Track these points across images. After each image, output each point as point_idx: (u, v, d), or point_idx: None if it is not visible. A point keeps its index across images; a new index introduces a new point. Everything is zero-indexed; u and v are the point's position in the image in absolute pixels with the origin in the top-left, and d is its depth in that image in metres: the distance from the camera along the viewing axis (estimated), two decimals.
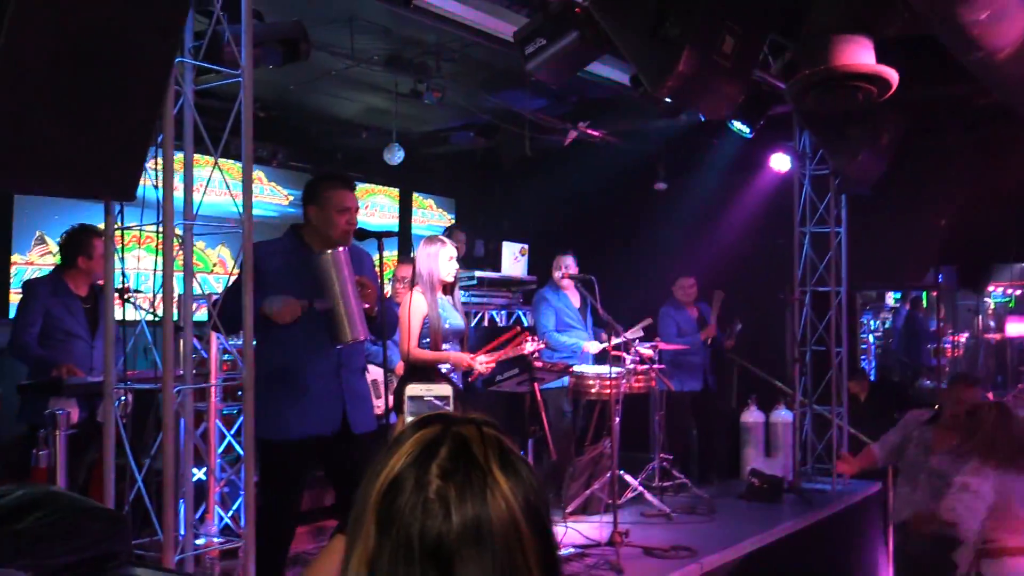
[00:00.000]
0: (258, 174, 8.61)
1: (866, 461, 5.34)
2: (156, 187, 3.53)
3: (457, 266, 5.24)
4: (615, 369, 6.24)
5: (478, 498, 1.06)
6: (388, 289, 6.31)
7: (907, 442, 5.20)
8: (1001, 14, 4.42)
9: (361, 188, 9.54)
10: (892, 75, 4.80)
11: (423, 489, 1.07)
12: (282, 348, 4.05)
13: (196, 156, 3.84)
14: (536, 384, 5.16)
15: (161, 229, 3.56)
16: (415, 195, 10.24)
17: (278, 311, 3.89)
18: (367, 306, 4.11)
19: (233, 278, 4.02)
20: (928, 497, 4.92)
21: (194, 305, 4.59)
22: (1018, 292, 15.35)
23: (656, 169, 9.44)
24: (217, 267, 8.20)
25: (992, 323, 14.87)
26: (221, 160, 3.81)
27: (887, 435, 5.44)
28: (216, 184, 3.90)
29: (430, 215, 10.33)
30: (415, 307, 5.06)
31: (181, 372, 3.76)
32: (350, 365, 4.19)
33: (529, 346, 5.54)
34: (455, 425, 1.13)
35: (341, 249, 4.02)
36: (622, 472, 6.39)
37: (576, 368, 6.61)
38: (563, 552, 5.40)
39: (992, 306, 15.50)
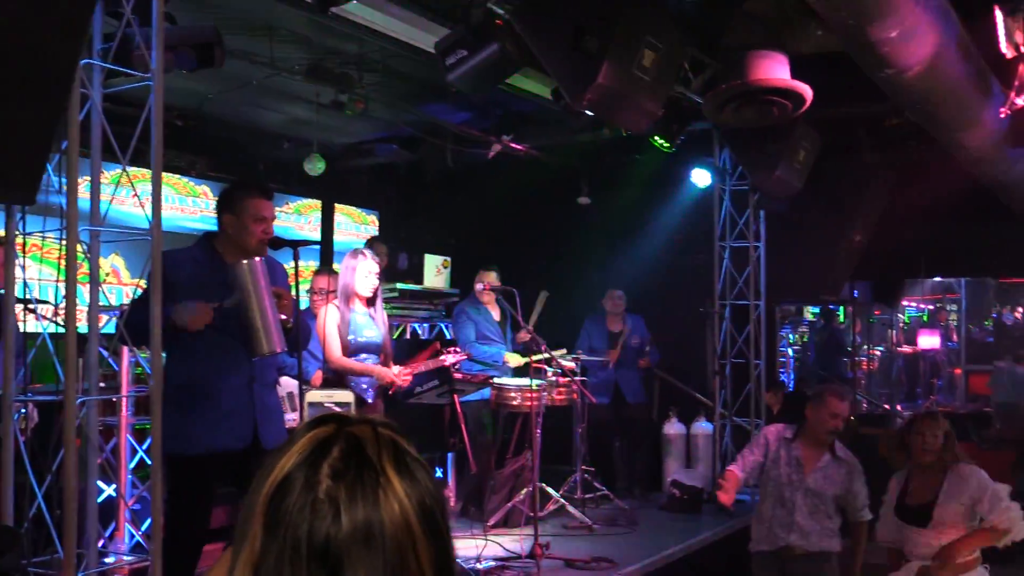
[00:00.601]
0: (203, 188, 8.48)
1: (734, 485, 4.95)
2: (60, 192, 3.41)
3: (376, 282, 5.21)
4: (536, 381, 6.23)
5: (370, 499, 1.03)
6: (304, 300, 6.22)
7: (772, 460, 4.94)
8: (911, 33, 4.54)
9: (304, 203, 9.50)
10: (806, 91, 4.91)
11: (312, 489, 1.03)
12: (193, 360, 3.93)
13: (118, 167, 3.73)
14: (456, 396, 5.13)
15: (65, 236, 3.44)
16: (360, 211, 10.19)
17: (191, 318, 3.77)
18: (283, 317, 4.03)
19: (141, 289, 3.89)
20: (808, 518, 4.83)
21: (104, 317, 4.48)
22: (930, 307, 15.83)
23: (579, 183, 9.49)
24: (110, 277, 7.99)
25: (905, 337, 15.30)
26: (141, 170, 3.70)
27: (745, 454, 5.11)
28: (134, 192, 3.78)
29: (372, 230, 10.23)
30: (331, 317, 5.11)
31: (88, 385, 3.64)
32: (262, 379, 4.10)
33: (450, 358, 5.51)
34: (349, 425, 1.10)
35: (257, 259, 3.92)
36: (544, 485, 6.38)
37: (497, 380, 6.59)
38: (483, 565, 5.37)
39: (905, 320, 15.96)
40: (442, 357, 5.45)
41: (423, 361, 5.40)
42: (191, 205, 8.32)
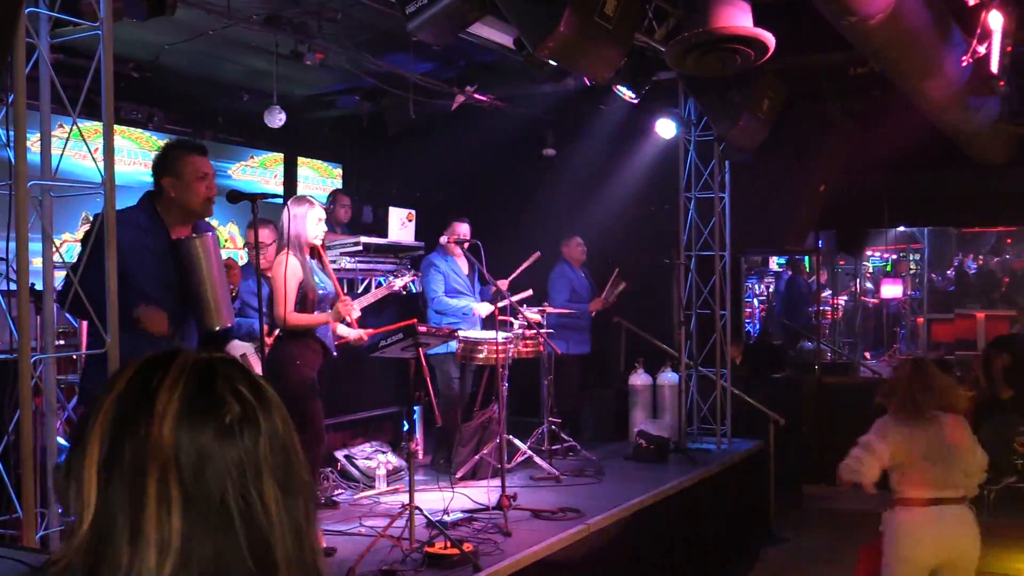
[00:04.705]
0: (166, 142, 8.31)
1: None
2: (8, 146, 3.33)
3: (325, 228, 5.05)
4: (503, 334, 6.22)
5: (264, 407, 1.04)
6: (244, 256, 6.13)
7: None
8: None
9: (270, 156, 9.45)
10: (769, 39, 4.87)
11: (239, 434, 1.00)
12: (129, 337, 3.87)
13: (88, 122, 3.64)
14: (421, 349, 5.09)
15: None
16: (326, 164, 10.11)
17: (150, 322, 3.73)
18: (231, 288, 4.05)
19: (79, 256, 3.80)
20: None
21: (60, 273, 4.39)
22: (893, 256, 15.99)
23: (544, 134, 9.43)
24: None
25: (869, 286, 15.46)
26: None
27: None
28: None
29: (337, 183, 10.15)
30: (290, 270, 4.84)
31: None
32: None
33: (399, 281, 5.43)
34: (169, 362, 1.04)
35: (209, 234, 3.91)
36: (511, 436, 6.41)
37: (463, 333, 6.57)
38: (451, 517, 5.39)
39: (870, 270, 16.11)
40: (392, 282, 5.36)
41: (374, 296, 5.30)
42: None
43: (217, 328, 3.94)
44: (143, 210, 3.99)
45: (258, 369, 4.94)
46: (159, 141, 8.18)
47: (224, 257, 4.11)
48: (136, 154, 8.01)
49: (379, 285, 7.65)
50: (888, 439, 4.39)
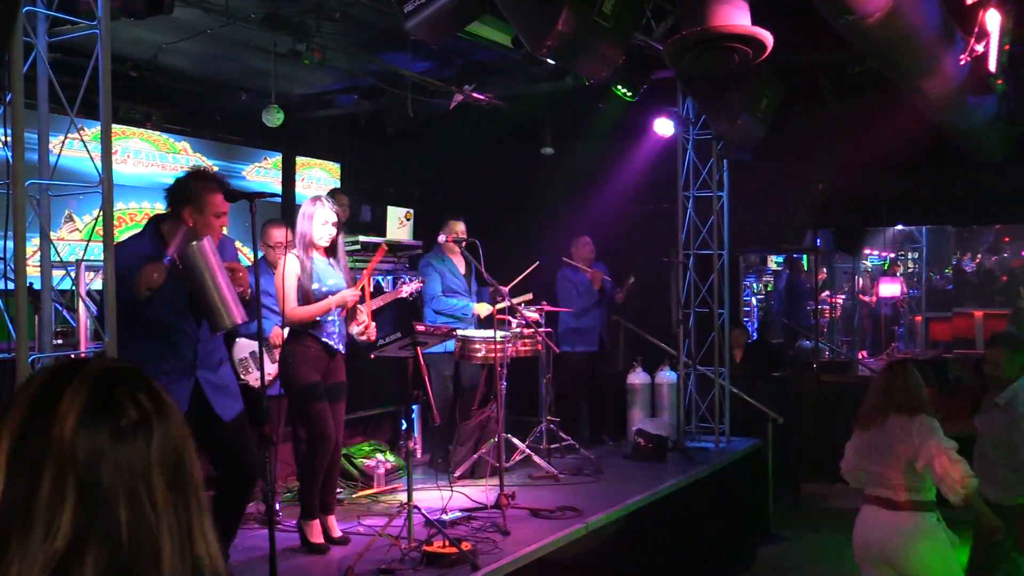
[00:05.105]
0: (183, 145, 8.31)
1: None
2: (6, 145, 3.32)
3: (334, 231, 5.02)
4: (501, 333, 6.22)
5: (163, 413, 1.13)
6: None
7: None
8: None
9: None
10: (767, 37, 4.88)
11: (132, 436, 1.09)
12: (138, 343, 3.90)
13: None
14: (419, 348, 5.08)
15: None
16: (336, 165, 10.12)
17: (143, 278, 3.77)
18: (241, 289, 4.10)
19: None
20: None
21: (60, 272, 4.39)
22: (891, 255, 16.00)
23: (543, 133, 9.43)
24: None
25: (868, 285, 15.47)
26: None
27: None
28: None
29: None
30: (289, 269, 4.89)
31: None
32: (207, 363, 4.12)
33: (407, 288, 5.44)
34: (78, 369, 1.13)
35: (205, 239, 3.94)
36: (509, 435, 6.40)
37: (461, 332, 6.56)
38: (449, 516, 5.39)
39: (868, 268, 16.12)
40: (399, 288, 5.38)
41: (381, 300, 5.31)
42: (171, 162, 8.16)
43: (228, 327, 4.00)
44: (147, 238, 4.13)
45: (260, 367, 4.94)
46: (177, 144, 8.21)
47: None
48: (153, 156, 8.04)
49: (376, 284, 7.65)
50: (851, 440, 4.56)
